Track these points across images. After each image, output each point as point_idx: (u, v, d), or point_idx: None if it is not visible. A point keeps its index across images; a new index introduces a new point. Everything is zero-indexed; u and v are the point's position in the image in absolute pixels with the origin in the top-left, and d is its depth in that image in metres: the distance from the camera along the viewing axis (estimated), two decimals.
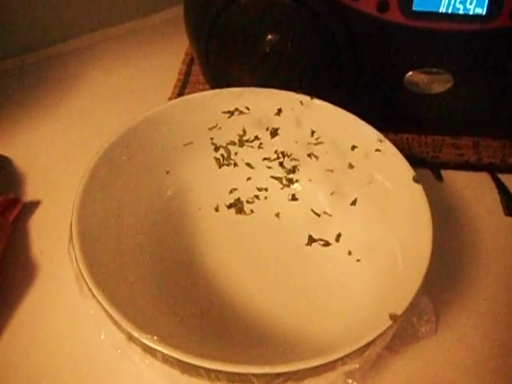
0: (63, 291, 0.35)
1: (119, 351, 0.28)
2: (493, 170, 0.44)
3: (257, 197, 0.39)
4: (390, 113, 0.44)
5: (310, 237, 0.36)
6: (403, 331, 0.31)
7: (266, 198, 0.39)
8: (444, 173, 0.44)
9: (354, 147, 0.37)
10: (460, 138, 0.46)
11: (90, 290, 0.26)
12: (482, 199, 0.42)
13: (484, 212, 0.41)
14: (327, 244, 0.36)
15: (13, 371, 0.31)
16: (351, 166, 0.37)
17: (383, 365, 0.32)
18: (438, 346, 0.33)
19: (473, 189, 0.42)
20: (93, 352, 0.32)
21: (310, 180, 0.39)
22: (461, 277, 0.36)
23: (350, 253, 0.35)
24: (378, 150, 0.35)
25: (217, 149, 0.39)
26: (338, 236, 0.36)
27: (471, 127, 0.46)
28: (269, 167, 0.40)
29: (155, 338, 0.24)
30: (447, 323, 0.34)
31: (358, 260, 0.34)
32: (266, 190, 0.40)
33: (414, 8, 0.37)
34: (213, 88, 0.44)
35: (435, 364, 0.32)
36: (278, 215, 0.38)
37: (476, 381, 0.31)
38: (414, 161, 0.35)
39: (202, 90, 0.40)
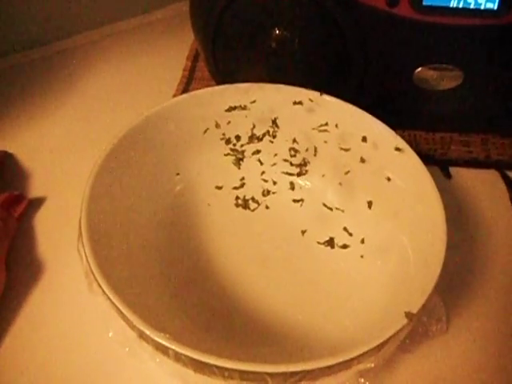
0: (70, 288, 0.34)
1: (127, 349, 0.28)
2: (502, 167, 0.43)
3: (267, 192, 0.39)
4: (398, 109, 0.43)
5: (331, 239, 0.36)
6: (414, 330, 0.30)
7: (275, 193, 0.39)
8: (452, 170, 0.43)
9: (364, 143, 0.36)
10: (468, 135, 0.46)
11: (100, 286, 0.26)
12: (490, 197, 0.41)
13: (493, 210, 0.40)
14: (341, 242, 0.36)
15: (19, 369, 0.31)
16: (362, 162, 0.37)
17: (394, 364, 0.31)
18: (449, 345, 0.32)
19: (481, 186, 0.42)
20: (100, 350, 0.31)
21: (321, 175, 0.39)
22: (471, 275, 0.36)
23: (362, 250, 0.35)
24: (388, 146, 0.35)
25: (225, 144, 0.39)
26: (351, 234, 0.36)
27: (480, 124, 0.45)
28: (278, 162, 0.40)
29: (168, 336, 0.23)
30: (458, 322, 0.33)
31: (371, 258, 0.34)
32: (275, 185, 0.39)
33: (425, 2, 0.36)
34: (218, 84, 0.44)
35: (446, 363, 0.32)
36: (288, 211, 0.38)
37: (488, 380, 0.31)
38: (422, 158, 0.34)
39: (207, 86, 0.40)
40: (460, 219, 0.39)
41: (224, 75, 0.44)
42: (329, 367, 0.23)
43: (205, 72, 0.49)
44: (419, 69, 0.40)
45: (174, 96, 0.48)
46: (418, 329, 0.31)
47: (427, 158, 0.42)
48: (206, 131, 0.39)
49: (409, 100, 0.43)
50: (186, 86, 0.50)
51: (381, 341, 0.24)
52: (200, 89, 0.39)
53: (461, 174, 0.43)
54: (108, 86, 0.51)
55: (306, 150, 0.39)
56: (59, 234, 0.37)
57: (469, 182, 0.42)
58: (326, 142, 0.38)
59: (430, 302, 0.30)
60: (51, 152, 0.44)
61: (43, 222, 0.39)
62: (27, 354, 0.32)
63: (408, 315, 0.25)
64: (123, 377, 0.31)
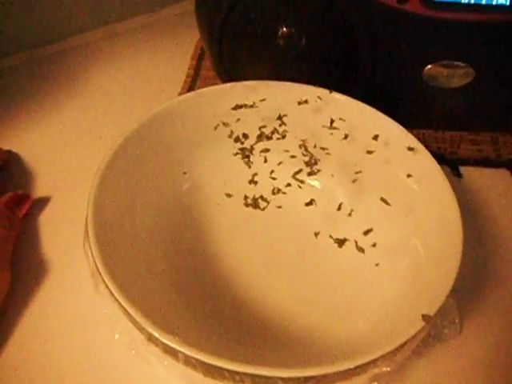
0: (75, 289, 0.34)
1: (133, 352, 0.28)
2: None
3: (277, 191, 0.38)
4: (407, 107, 0.43)
5: (343, 240, 0.35)
6: (426, 333, 0.30)
7: (285, 193, 0.38)
8: (462, 169, 0.43)
9: (375, 141, 0.36)
10: (478, 133, 0.45)
11: (107, 287, 0.25)
12: (501, 196, 0.41)
13: (504, 209, 0.40)
14: (354, 243, 0.35)
15: (24, 370, 0.31)
16: (373, 161, 0.36)
17: (407, 367, 0.31)
18: (462, 348, 0.32)
19: (492, 185, 0.41)
20: (106, 352, 0.31)
21: (331, 175, 0.38)
22: (483, 276, 0.35)
23: (376, 251, 0.34)
24: (400, 145, 0.34)
25: (234, 143, 0.39)
26: (364, 234, 0.35)
27: (491, 123, 0.45)
28: (288, 161, 0.39)
29: (178, 338, 0.23)
30: (471, 324, 0.33)
31: (385, 259, 0.33)
32: (285, 183, 0.39)
33: None
34: (224, 82, 0.44)
35: (459, 366, 0.31)
36: (298, 211, 0.37)
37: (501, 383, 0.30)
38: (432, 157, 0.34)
39: (213, 85, 0.39)
40: (472, 219, 0.39)
41: (230, 74, 0.44)
42: (345, 371, 0.22)
43: (210, 71, 0.49)
44: (429, 66, 0.39)
45: (180, 95, 0.48)
46: (431, 331, 0.30)
47: (437, 158, 0.41)
48: (213, 129, 0.38)
49: (418, 98, 0.43)
50: (192, 85, 0.50)
51: (398, 344, 0.23)
52: (206, 87, 0.38)
53: (471, 174, 0.42)
54: (113, 86, 0.51)
55: (314, 146, 0.38)
56: (64, 234, 0.37)
57: (479, 181, 0.42)
58: (335, 140, 0.38)
59: (444, 304, 0.30)
60: (56, 151, 0.44)
61: (48, 222, 0.38)
62: (32, 354, 0.31)
63: (425, 318, 0.24)
64: (129, 380, 0.30)
